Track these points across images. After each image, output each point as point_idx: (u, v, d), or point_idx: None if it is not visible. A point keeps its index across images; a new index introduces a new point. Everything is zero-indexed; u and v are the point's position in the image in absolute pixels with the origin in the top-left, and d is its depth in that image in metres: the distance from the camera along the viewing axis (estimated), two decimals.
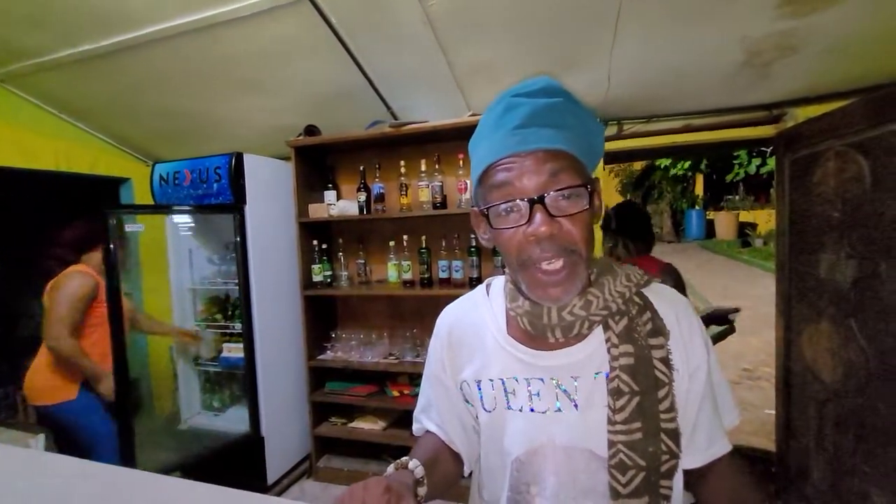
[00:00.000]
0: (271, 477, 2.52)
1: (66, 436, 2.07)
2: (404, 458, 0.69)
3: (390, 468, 0.68)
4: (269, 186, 2.60)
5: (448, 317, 0.82)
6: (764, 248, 10.16)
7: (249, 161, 2.43)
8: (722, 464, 0.68)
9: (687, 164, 12.79)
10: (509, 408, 0.70)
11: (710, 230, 13.68)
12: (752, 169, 11.34)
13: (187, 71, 2.21)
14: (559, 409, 0.67)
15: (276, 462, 2.57)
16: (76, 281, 2.06)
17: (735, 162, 11.75)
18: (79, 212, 2.22)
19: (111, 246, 2.01)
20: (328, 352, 2.68)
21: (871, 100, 1.61)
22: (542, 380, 0.68)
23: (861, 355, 1.69)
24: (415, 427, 0.86)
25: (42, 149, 2.46)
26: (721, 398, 0.70)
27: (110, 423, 2.09)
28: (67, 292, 2.02)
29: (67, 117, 2.64)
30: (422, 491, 0.66)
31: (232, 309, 2.81)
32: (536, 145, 0.59)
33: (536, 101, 0.61)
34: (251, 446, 2.48)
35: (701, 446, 0.68)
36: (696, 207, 14.28)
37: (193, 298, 2.85)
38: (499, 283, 0.80)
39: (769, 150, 9.78)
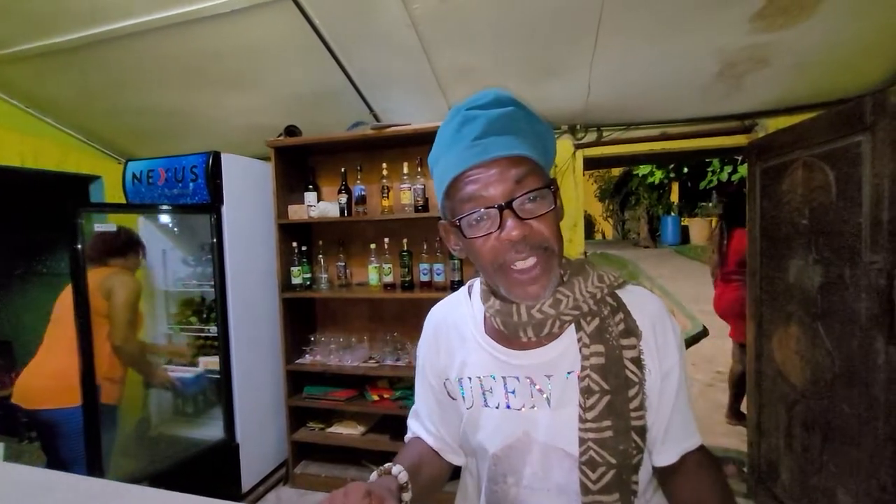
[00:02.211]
0: (246, 484, 2.46)
1: (66, 443, 1.97)
2: (388, 464, 0.69)
3: (373, 475, 0.67)
4: (248, 187, 2.55)
5: (434, 316, 0.84)
6: None
7: (227, 161, 2.38)
8: (692, 460, 0.70)
9: (662, 174, 13.15)
10: (486, 405, 0.72)
11: (684, 236, 14.05)
12: (724, 176, 11.72)
13: (164, 67, 2.15)
14: (534, 407, 0.69)
15: (252, 469, 2.51)
16: (130, 283, 2.11)
17: (708, 170, 12.13)
18: (45, 210, 2.13)
19: (78, 247, 1.93)
20: (307, 355, 2.64)
21: (836, 113, 1.69)
22: (517, 378, 0.70)
23: (827, 357, 1.75)
24: (407, 436, 0.87)
25: (6, 143, 2.35)
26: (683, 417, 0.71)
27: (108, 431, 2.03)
28: (124, 294, 2.06)
29: (34, 111, 2.54)
30: (406, 496, 0.66)
31: (207, 312, 2.73)
32: (497, 153, 0.61)
33: (490, 111, 0.63)
34: (225, 453, 2.41)
35: (672, 443, 0.69)
36: (672, 214, 14.65)
37: (167, 301, 2.76)
38: (479, 283, 0.81)
39: (740, 158, 10.14)
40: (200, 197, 2.36)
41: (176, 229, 2.78)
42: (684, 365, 0.72)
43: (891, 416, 1.50)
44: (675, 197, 14.75)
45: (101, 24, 1.87)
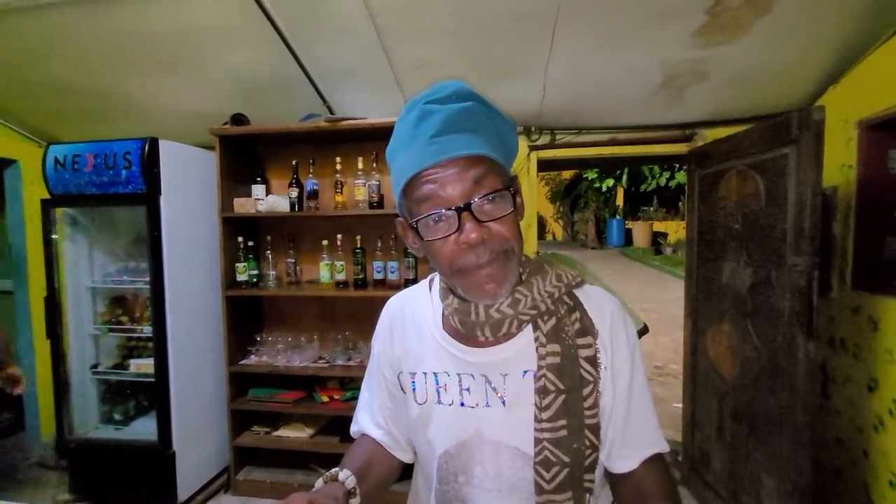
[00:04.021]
0: (183, 494, 2.31)
1: None
2: (334, 470, 0.66)
3: (318, 482, 0.65)
4: (189, 177, 2.38)
5: (391, 307, 0.82)
6: (673, 256, 11.16)
7: (166, 148, 2.22)
8: (646, 466, 0.69)
9: (612, 182, 13.82)
10: (440, 402, 0.71)
11: (628, 238, 14.80)
12: (663, 181, 12.50)
13: (96, 43, 1.97)
14: (488, 405, 0.68)
15: (189, 477, 2.36)
16: None
17: (649, 175, 12.89)
18: None
19: None
20: (252, 356, 2.52)
21: (766, 126, 1.82)
22: (472, 376, 0.69)
23: (755, 352, 1.89)
24: (352, 428, 0.84)
25: None
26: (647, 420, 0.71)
27: None
28: None
29: None
30: (354, 502, 0.64)
31: (140, 310, 2.54)
32: (456, 153, 0.58)
33: (449, 106, 0.60)
34: (160, 461, 2.25)
35: (632, 449, 0.70)
36: (617, 217, 15.39)
37: (93, 298, 2.54)
38: (438, 280, 0.79)
39: (678, 165, 10.82)
40: (135, 186, 2.18)
41: (105, 220, 2.56)
42: (642, 369, 0.72)
43: (808, 405, 1.64)
44: (620, 201, 15.52)
45: None
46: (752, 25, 1.73)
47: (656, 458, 0.70)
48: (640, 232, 14.31)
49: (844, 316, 1.98)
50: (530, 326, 0.68)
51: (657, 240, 13.38)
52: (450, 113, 0.60)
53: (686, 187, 2.50)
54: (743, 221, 1.96)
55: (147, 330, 2.33)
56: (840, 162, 1.96)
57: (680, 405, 2.62)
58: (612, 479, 0.72)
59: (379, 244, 2.41)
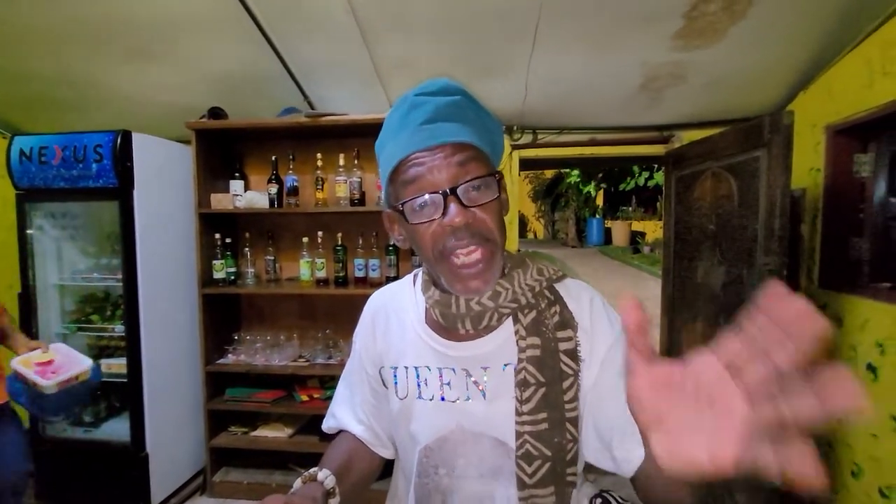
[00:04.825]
0: (157, 496, 2.25)
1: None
2: (313, 470, 0.65)
3: (297, 483, 0.64)
4: (164, 171, 2.32)
5: (374, 301, 0.82)
6: (651, 255, 11.40)
7: (140, 141, 2.15)
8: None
9: (592, 186, 14.07)
10: (420, 397, 0.71)
11: (607, 237, 15.06)
12: (642, 181, 12.76)
13: (67, 30, 1.89)
14: (468, 399, 0.69)
15: (164, 479, 2.30)
16: None
17: (628, 176, 13.14)
18: None
19: None
20: (229, 355, 2.47)
21: (740, 129, 1.88)
22: (453, 369, 0.70)
23: None
24: (328, 423, 0.83)
25: None
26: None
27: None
28: None
29: None
30: (333, 502, 0.63)
31: (112, 308, 2.46)
32: (444, 139, 0.61)
33: (439, 98, 0.63)
34: (133, 464, 2.19)
35: (635, 437, 0.61)
36: (597, 216, 15.64)
37: (62, 296, 2.45)
38: (422, 273, 0.80)
39: (656, 165, 11.06)
40: (106, 180, 2.11)
41: (75, 215, 2.46)
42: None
43: None
44: (600, 200, 15.77)
45: None
46: (728, 31, 1.78)
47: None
48: (619, 231, 14.58)
49: None
50: (510, 320, 0.69)
51: (636, 239, 13.65)
52: (439, 104, 0.62)
53: (663, 188, 2.55)
54: (717, 222, 2.01)
55: (119, 329, 2.26)
56: (808, 165, 2.03)
57: None
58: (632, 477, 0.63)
59: (360, 242, 2.39)
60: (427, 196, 0.61)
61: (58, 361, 1.73)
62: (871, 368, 1.71)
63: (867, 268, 1.89)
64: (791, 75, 2.06)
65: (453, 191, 0.60)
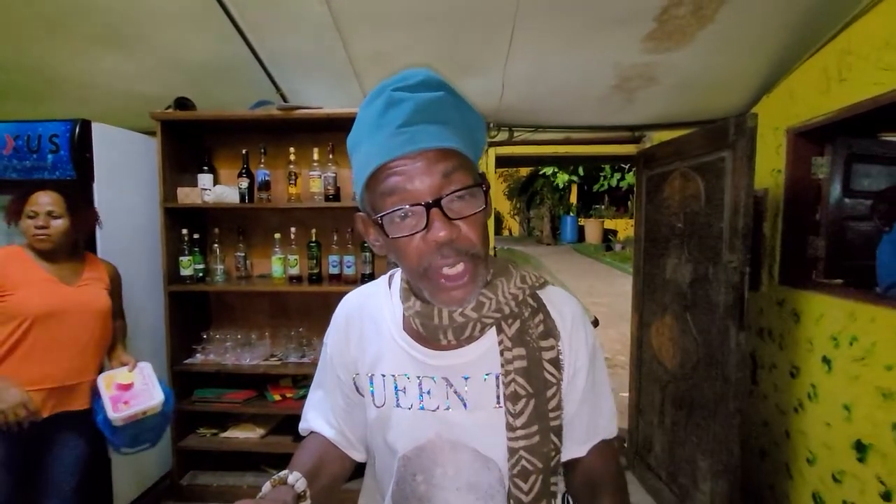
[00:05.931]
0: (121, 501, 2.16)
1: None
2: (283, 473, 0.63)
3: (266, 486, 0.61)
4: (127, 164, 2.22)
5: (348, 304, 0.78)
6: (622, 252, 11.69)
7: (100, 131, 2.05)
8: (592, 454, 0.72)
9: (566, 178, 14.27)
10: (398, 405, 0.69)
11: (581, 235, 15.36)
12: (614, 182, 13.07)
13: (20, 12, 1.78)
14: (448, 408, 0.67)
15: (127, 484, 2.21)
16: None
17: (601, 175, 13.44)
18: None
19: None
20: (198, 355, 2.39)
21: (707, 130, 1.94)
22: (433, 378, 0.68)
23: (693, 343, 2.02)
24: (301, 425, 0.81)
25: None
26: (603, 404, 0.74)
27: None
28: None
29: None
30: None
31: None
32: (425, 144, 0.56)
33: (419, 95, 0.57)
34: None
35: (581, 438, 0.71)
36: (571, 214, 15.92)
37: None
38: (399, 279, 0.77)
39: (628, 166, 11.35)
40: (63, 172, 2.01)
41: None
42: (601, 366, 0.74)
43: (738, 391, 1.77)
44: (574, 198, 16.05)
45: None
46: (696, 34, 1.83)
47: (604, 444, 0.73)
48: (592, 229, 14.90)
49: (771, 309, 2.15)
50: (493, 329, 0.67)
51: (608, 237, 13.97)
52: (420, 102, 0.56)
53: (635, 187, 2.61)
54: (685, 220, 2.07)
55: None
56: (771, 166, 2.12)
57: (626, 394, 2.76)
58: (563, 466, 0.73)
59: (335, 238, 2.35)
60: (408, 208, 0.57)
61: (136, 388, 1.67)
62: (826, 361, 1.80)
63: (823, 265, 1.99)
64: (755, 79, 2.14)
65: (437, 202, 0.56)
